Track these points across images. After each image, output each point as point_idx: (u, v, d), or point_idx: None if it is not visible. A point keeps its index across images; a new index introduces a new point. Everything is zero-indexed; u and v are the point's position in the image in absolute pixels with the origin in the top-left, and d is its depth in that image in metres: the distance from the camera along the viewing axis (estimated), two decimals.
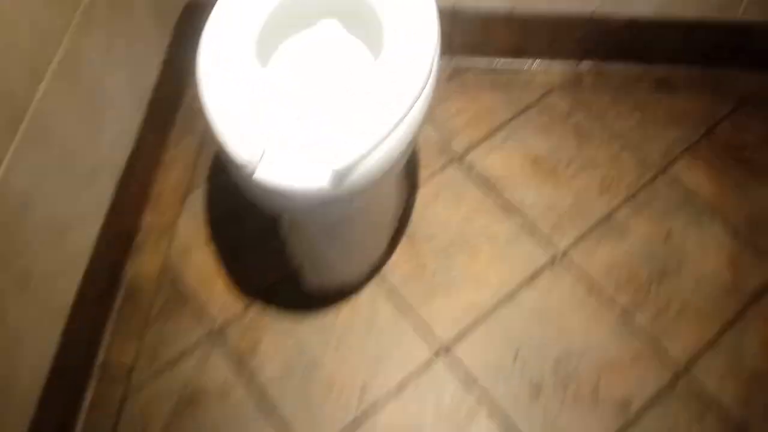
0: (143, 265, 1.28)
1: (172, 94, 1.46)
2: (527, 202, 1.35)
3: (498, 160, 1.41)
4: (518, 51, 1.52)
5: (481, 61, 1.55)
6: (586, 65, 1.54)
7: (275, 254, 1.26)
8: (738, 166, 1.39)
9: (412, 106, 0.92)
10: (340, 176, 0.87)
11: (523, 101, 1.49)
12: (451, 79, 1.53)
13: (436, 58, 0.98)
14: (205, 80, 0.95)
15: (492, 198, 1.35)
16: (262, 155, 0.88)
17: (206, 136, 1.45)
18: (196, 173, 1.41)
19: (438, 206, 1.34)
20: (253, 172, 0.88)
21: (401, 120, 0.91)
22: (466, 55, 1.53)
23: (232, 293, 1.25)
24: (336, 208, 0.94)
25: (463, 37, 1.48)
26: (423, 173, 1.39)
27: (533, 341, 1.19)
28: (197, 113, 1.46)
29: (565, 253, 1.28)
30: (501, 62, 1.56)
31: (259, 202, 0.93)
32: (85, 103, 1.09)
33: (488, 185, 1.37)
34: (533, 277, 1.26)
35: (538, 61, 1.55)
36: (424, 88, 0.94)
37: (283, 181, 0.87)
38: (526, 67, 1.55)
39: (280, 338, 1.19)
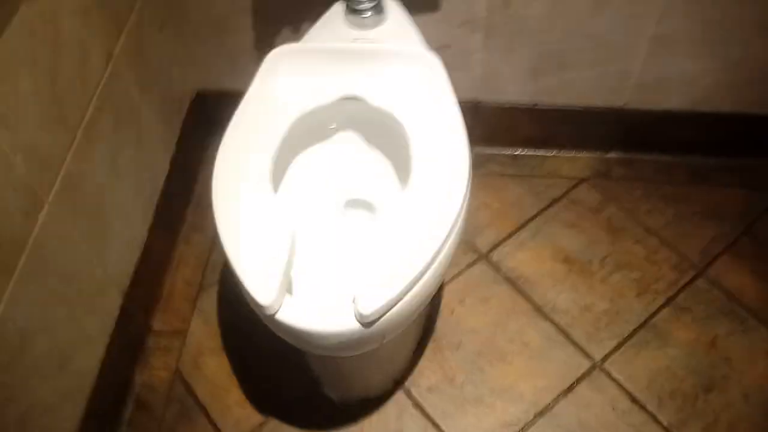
0: (153, 374, 1.21)
1: (182, 190, 1.41)
2: (560, 305, 1.27)
3: (527, 258, 1.34)
4: (542, 141, 1.47)
5: (504, 152, 1.50)
6: (614, 155, 1.49)
7: (293, 364, 1.18)
8: None
9: (445, 243, 0.85)
10: (370, 319, 0.80)
11: (550, 195, 1.43)
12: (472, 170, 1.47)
13: (468, 187, 0.91)
14: (221, 211, 0.89)
15: (522, 301, 1.28)
16: (284, 294, 0.81)
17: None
18: (207, 271, 1.34)
19: (465, 310, 1.27)
20: (275, 313, 0.81)
21: (434, 259, 0.84)
22: (488, 145, 1.47)
23: (248, 406, 1.17)
24: (365, 346, 0.87)
25: (485, 129, 1.43)
26: (447, 273, 1.32)
27: None
28: (208, 208, 1.43)
29: (603, 363, 1.20)
30: (524, 152, 1.50)
31: (283, 337, 0.86)
32: (88, 223, 1.03)
33: (517, 287, 1.30)
34: (569, 390, 1.18)
35: (563, 151, 1.49)
36: (457, 222, 0.88)
37: (308, 323, 0.80)
38: (551, 157, 1.49)
39: None
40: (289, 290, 0.83)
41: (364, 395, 1.17)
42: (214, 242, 1.38)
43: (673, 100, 1.35)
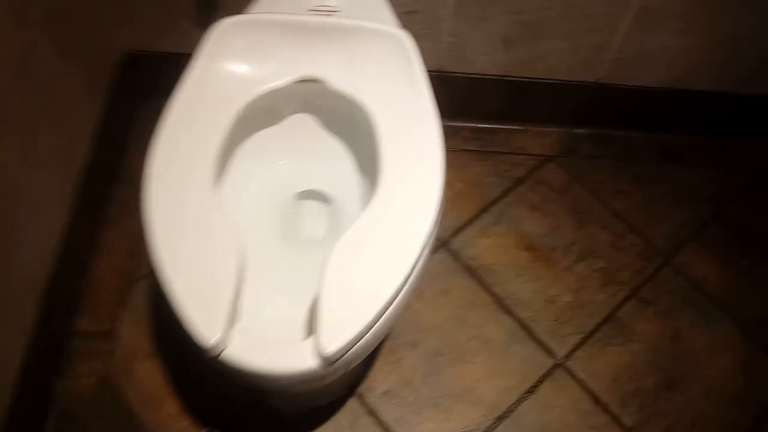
0: (79, 382, 1.07)
1: (109, 166, 1.24)
2: (523, 297, 1.20)
3: (489, 245, 1.25)
4: (509, 115, 1.36)
5: (469, 124, 1.38)
6: (583, 131, 1.39)
7: None
8: (749, 252, 1.27)
9: (416, 263, 0.75)
10: (333, 358, 0.69)
11: (514, 174, 1.33)
12: None
13: (442, 195, 0.80)
14: (157, 222, 0.75)
15: (483, 293, 1.20)
16: (230, 328, 0.70)
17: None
18: (138, 261, 1.20)
19: (423, 305, 1.18)
20: (219, 354, 0.69)
21: (404, 282, 0.73)
22: (452, 119, 1.35)
23: (186, 418, 1.06)
24: (324, 381, 0.76)
25: (451, 100, 1.30)
26: None
27: None
28: (137, 184, 1.27)
29: (566, 361, 1.15)
30: (490, 125, 1.39)
31: (229, 376, 0.75)
32: None
33: (478, 277, 1.21)
34: (532, 390, 1.12)
35: (531, 125, 1.38)
36: (430, 238, 0.77)
37: (259, 364, 0.69)
38: (517, 132, 1.39)
39: None
40: (237, 329, 0.71)
41: (314, 404, 1.08)
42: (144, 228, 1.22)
43: (650, 76, 1.26)
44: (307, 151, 1.00)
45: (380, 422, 1.07)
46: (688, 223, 1.30)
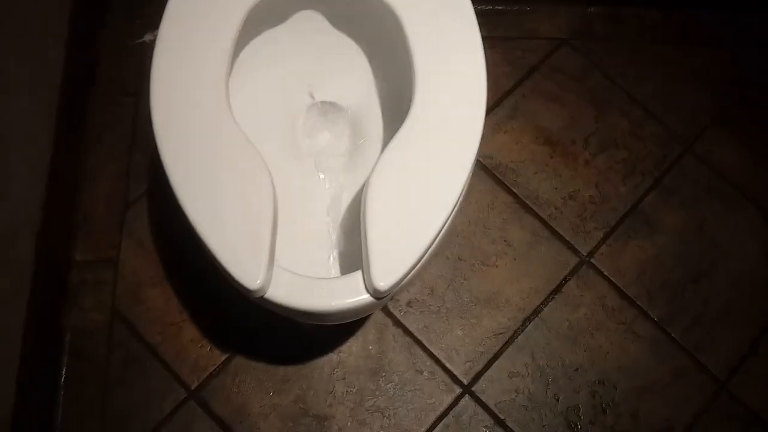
0: (86, 316, 1.01)
1: (83, 81, 1.11)
2: (543, 195, 1.15)
3: (506, 142, 1.18)
4: None
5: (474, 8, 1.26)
6: (595, 10, 1.29)
7: None
8: None
9: (463, 189, 0.68)
10: (386, 294, 0.64)
11: (528, 61, 1.24)
12: None
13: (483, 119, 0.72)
14: (174, 160, 0.66)
15: (502, 193, 1.14)
16: (272, 268, 0.63)
17: (138, 119, 1.13)
18: (131, 179, 1.10)
19: None
20: (264, 293, 0.63)
21: (452, 211, 0.67)
22: None
23: (205, 343, 1.02)
24: (370, 311, 0.71)
25: None
26: None
27: (565, 368, 1.05)
28: (117, 92, 1.15)
29: (590, 257, 1.11)
30: (498, 7, 1.27)
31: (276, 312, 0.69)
32: None
33: (497, 175, 1.15)
34: (557, 290, 1.09)
35: (541, 5, 1.27)
36: (474, 160, 0.69)
37: (311, 302, 0.63)
38: (527, 13, 1.28)
39: (275, 396, 0.99)
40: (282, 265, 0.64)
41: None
42: (134, 140, 1.12)
43: None
44: (319, 57, 0.89)
45: (408, 332, 1.04)
46: (710, 106, 1.23)
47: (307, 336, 1.02)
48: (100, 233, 1.05)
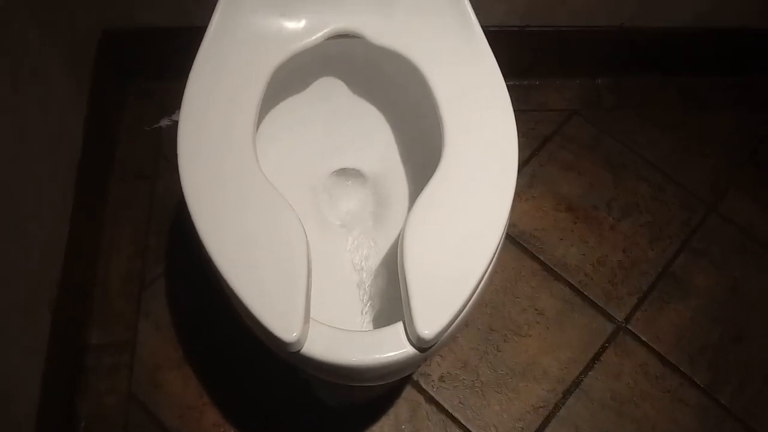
0: (101, 401, 0.95)
1: (101, 159, 1.11)
2: (571, 262, 1.12)
3: (527, 211, 1.16)
4: (526, 70, 1.27)
5: None
6: (602, 81, 1.32)
7: (274, 365, 0.96)
8: None
9: (501, 237, 0.65)
10: (431, 344, 0.60)
11: (541, 132, 1.25)
12: None
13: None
14: (204, 214, 0.64)
15: (529, 261, 1.11)
16: (308, 322, 0.60)
17: (154, 201, 1.12)
18: (148, 259, 1.07)
19: None
20: (300, 348, 0.59)
21: (493, 256, 0.64)
22: None
23: (228, 427, 0.95)
24: (411, 370, 0.67)
25: None
26: None
27: None
28: (134, 175, 1.14)
29: (627, 323, 1.07)
30: (507, 84, 1.29)
31: (309, 371, 0.64)
32: None
33: (522, 245, 1.13)
34: (596, 359, 1.04)
35: (549, 79, 1.30)
36: (510, 209, 0.68)
37: (351, 357, 0.59)
38: (536, 87, 1.30)
39: None
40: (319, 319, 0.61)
41: (369, 397, 0.98)
42: (150, 220, 1.10)
43: (675, 14, 1.18)
44: (341, 122, 0.90)
45: (442, 409, 0.98)
46: (724, 167, 1.23)
47: (335, 413, 0.96)
48: (117, 314, 1.01)
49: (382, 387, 0.98)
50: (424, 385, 0.99)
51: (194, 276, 1.04)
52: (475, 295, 0.64)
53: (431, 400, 0.98)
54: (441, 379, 1.00)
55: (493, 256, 0.65)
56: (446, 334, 0.62)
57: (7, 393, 0.75)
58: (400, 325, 0.61)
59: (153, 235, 1.09)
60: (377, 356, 0.59)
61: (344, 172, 0.91)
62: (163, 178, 1.13)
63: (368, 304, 0.76)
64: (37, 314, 0.84)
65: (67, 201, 0.95)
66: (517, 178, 1.16)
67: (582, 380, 1.02)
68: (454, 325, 0.62)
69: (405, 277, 0.62)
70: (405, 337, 0.60)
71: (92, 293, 1.02)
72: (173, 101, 0.70)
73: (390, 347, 0.60)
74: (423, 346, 0.60)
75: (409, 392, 0.99)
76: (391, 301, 0.76)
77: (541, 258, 1.12)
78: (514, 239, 1.13)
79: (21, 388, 0.79)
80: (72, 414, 0.91)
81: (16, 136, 0.81)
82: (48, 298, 0.87)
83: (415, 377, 1.00)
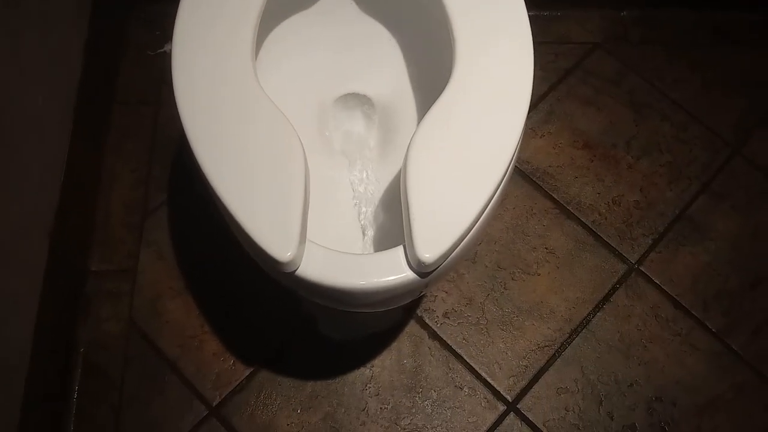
0: (101, 327, 0.95)
1: (102, 85, 1.08)
2: (586, 200, 1.08)
3: (542, 147, 1.12)
4: (549, 0, 1.21)
5: None
6: (629, 14, 1.25)
7: (277, 297, 0.95)
8: None
9: (512, 158, 0.62)
10: (431, 268, 0.57)
11: (561, 65, 1.19)
12: None
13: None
14: (199, 128, 0.61)
15: (542, 199, 1.08)
16: (304, 242, 0.57)
17: (158, 128, 1.09)
18: (151, 188, 1.05)
19: None
20: (296, 269, 0.56)
21: (500, 181, 0.60)
22: None
23: (228, 356, 0.94)
24: (410, 297, 0.64)
25: None
26: None
27: (618, 383, 0.96)
28: (137, 101, 1.11)
29: (640, 265, 1.04)
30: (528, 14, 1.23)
31: (305, 295, 0.62)
32: None
33: (535, 182, 1.09)
34: (606, 299, 1.01)
35: (571, 10, 1.23)
36: (522, 131, 0.64)
37: (349, 278, 0.57)
38: (557, 18, 1.24)
39: (303, 414, 0.91)
40: (316, 239, 0.58)
41: (371, 331, 0.96)
42: (153, 150, 1.08)
43: None
44: (349, 45, 0.85)
45: (446, 345, 0.96)
46: (752, 108, 1.17)
47: (336, 346, 0.94)
48: (118, 242, 1.00)
49: (386, 322, 0.97)
50: (427, 321, 0.98)
51: (197, 206, 1.01)
52: (478, 224, 0.61)
53: (434, 335, 0.97)
54: (445, 315, 0.98)
55: (500, 183, 0.61)
56: (447, 261, 0.59)
57: (1, 315, 0.74)
58: (400, 249, 0.58)
59: (156, 164, 1.07)
60: (375, 279, 0.57)
61: (351, 98, 0.87)
62: (166, 105, 1.10)
63: (369, 232, 0.74)
64: (33, 238, 0.83)
65: (66, 125, 0.93)
66: (534, 112, 1.13)
67: (590, 321, 1.00)
68: (455, 252, 0.59)
69: (407, 202, 0.59)
70: (405, 261, 0.58)
71: (93, 220, 1.00)
72: None
73: (389, 271, 0.58)
74: (423, 271, 0.57)
75: (412, 327, 0.97)
76: (392, 230, 0.73)
77: (555, 196, 1.08)
78: (527, 176, 1.09)
79: (16, 310, 0.78)
80: (72, 339, 0.90)
81: (13, 53, 0.78)
82: (46, 222, 0.85)
83: (419, 312, 0.98)
